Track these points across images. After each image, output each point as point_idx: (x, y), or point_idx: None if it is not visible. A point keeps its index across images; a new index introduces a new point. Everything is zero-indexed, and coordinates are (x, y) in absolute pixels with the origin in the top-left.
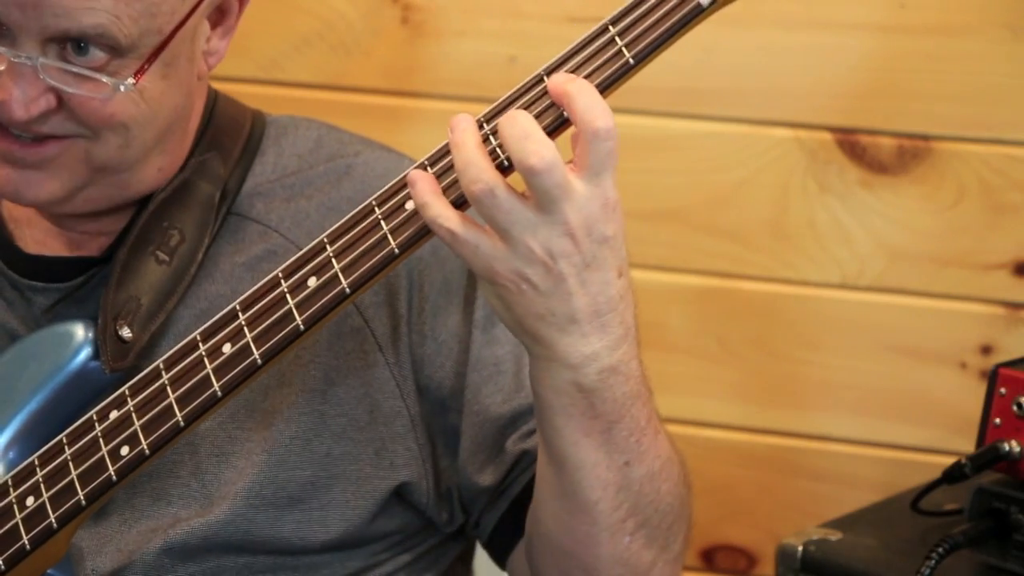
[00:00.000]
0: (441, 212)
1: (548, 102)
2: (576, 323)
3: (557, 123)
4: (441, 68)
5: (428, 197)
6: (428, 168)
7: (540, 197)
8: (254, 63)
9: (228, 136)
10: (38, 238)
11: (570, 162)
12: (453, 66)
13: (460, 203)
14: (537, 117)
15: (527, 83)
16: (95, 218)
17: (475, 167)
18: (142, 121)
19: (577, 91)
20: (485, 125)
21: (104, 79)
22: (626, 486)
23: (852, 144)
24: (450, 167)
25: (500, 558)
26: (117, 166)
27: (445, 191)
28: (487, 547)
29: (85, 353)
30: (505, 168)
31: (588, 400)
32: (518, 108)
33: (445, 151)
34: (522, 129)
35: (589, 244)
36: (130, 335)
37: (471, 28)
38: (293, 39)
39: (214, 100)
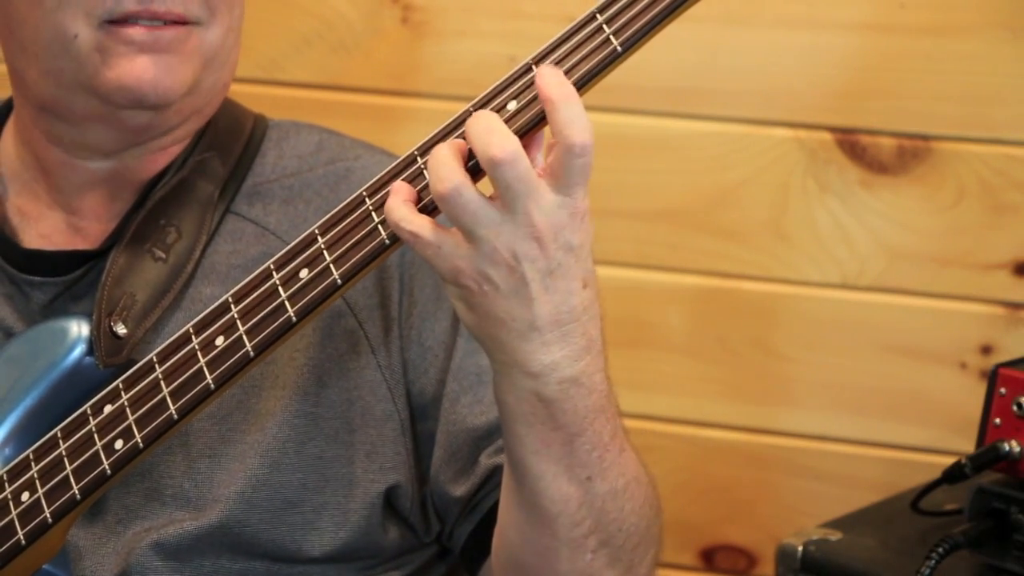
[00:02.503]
0: (404, 215)
1: (534, 93)
2: (537, 330)
3: (543, 114)
4: (441, 68)
5: (393, 202)
6: (419, 157)
7: (504, 192)
8: (254, 63)
9: (229, 136)
10: (43, 232)
11: (541, 169)
12: (453, 66)
13: (434, 206)
14: (524, 108)
15: (516, 72)
16: (103, 201)
17: (444, 167)
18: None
19: (561, 101)
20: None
21: None
22: (588, 502)
23: (852, 144)
24: None
25: (472, 571)
26: (219, 58)
27: (425, 189)
28: (460, 559)
29: (80, 349)
30: (477, 172)
31: (548, 410)
32: (506, 97)
33: (435, 140)
34: (486, 125)
35: (555, 250)
36: (125, 331)
37: (471, 28)
38: (293, 39)
39: None
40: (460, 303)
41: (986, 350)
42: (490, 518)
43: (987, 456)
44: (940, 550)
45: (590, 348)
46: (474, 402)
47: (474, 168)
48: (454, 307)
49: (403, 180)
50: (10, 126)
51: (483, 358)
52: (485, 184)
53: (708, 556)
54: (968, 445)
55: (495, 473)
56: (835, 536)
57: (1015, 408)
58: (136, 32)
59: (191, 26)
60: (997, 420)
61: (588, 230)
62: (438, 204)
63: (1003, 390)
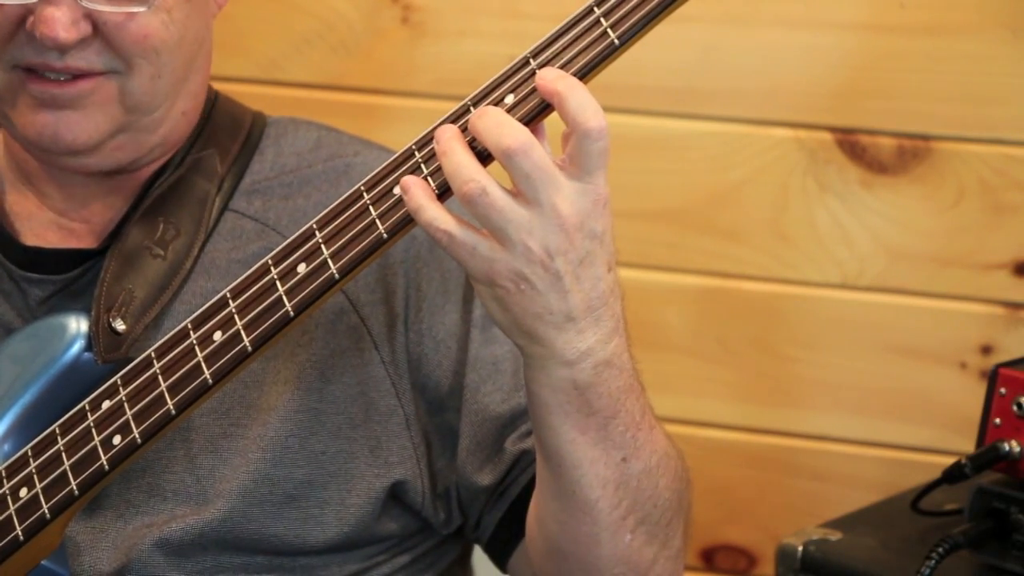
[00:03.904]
0: (437, 215)
1: (532, 86)
2: (572, 320)
3: (540, 108)
4: (441, 68)
5: (422, 201)
6: (416, 152)
7: (524, 183)
8: (254, 63)
9: (227, 134)
10: (37, 231)
11: (560, 159)
12: (453, 66)
13: (444, 190)
14: (521, 101)
15: (513, 66)
16: (94, 207)
17: (466, 168)
18: (171, 45)
19: (568, 90)
20: (473, 108)
21: None
22: (624, 482)
23: (852, 144)
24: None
25: (501, 560)
26: (149, 103)
27: (431, 175)
28: (488, 549)
29: (78, 345)
30: (484, 157)
31: (584, 397)
32: (503, 91)
33: (432, 135)
34: (494, 119)
35: (581, 239)
36: (123, 327)
37: (471, 28)
38: (293, 39)
39: (214, 99)
40: (494, 303)
41: (986, 350)
42: (518, 505)
43: (987, 456)
44: (940, 550)
45: (617, 328)
46: (494, 390)
47: (480, 155)
48: (486, 308)
49: (408, 169)
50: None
51: (497, 347)
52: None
53: (708, 556)
54: (968, 445)
55: (521, 459)
56: (835, 536)
57: (1015, 408)
58: (35, 87)
59: (103, 76)
60: (997, 420)
61: (609, 216)
62: (465, 205)
63: (1003, 390)
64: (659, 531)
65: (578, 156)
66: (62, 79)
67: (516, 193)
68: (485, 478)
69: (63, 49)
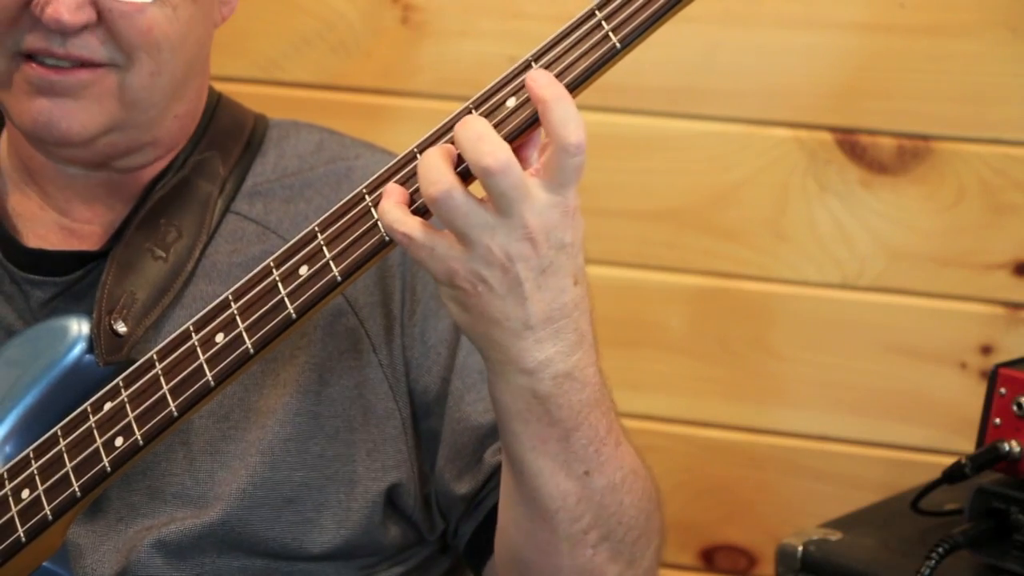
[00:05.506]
0: (398, 217)
1: None
2: (530, 328)
3: (535, 116)
4: (441, 68)
5: (387, 204)
6: (418, 155)
7: (497, 199)
8: (254, 63)
9: (229, 136)
10: (39, 233)
11: (534, 168)
12: (453, 66)
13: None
14: (523, 104)
15: (515, 69)
16: (96, 208)
17: (434, 171)
18: (174, 42)
19: (554, 100)
20: (474, 111)
21: None
22: (586, 497)
23: (852, 144)
24: None
25: (477, 568)
26: (147, 100)
27: (416, 192)
28: (464, 557)
29: (80, 347)
30: (468, 175)
31: (544, 406)
32: (505, 94)
33: (435, 137)
34: (475, 131)
35: (547, 249)
36: (125, 329)
37: (471, 28)
38: (293, 39)
39: (216, 101)
40: (454, 304)
41: (986, 350)
42: (494, 515)
43: (987, 456)
44: (940, 550)
45: (582, 343)
46: (478, 399)
47: (465, 172)
48: (448, 308)
49: (400, 179)
50: (6, 126)
51: None
52: (476, 187)
53: (708, 556)
54: (968, 445)
55: (499, 471)
56: (835, 536)
57: (1015, 408)
58: (34, 73)
59: (105, 68)
60: (997, 420)
61: (579, 227)
62: (429, 207)
63: (1003, 390)
64: (624, 549)
65: (553, 168)
66: (63, 66)
67: (486, 200)
68: (463, 487)
69: (66, 32)
